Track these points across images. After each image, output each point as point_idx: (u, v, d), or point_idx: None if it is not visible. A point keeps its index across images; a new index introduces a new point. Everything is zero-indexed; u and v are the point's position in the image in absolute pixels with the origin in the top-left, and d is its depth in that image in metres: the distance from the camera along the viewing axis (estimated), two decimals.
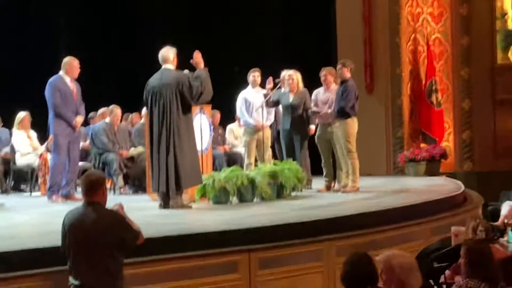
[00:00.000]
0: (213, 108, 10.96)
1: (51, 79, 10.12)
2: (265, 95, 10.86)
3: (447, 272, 6.26)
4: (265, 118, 10.96)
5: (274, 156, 11.54)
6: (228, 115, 12.82)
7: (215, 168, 11.16)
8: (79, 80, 10.48)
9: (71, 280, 5.20)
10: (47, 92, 10.04)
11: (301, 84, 11.05)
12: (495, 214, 12.32)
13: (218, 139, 12.34)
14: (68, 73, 10.15)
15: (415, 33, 15.34)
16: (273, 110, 11.29)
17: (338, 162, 10.62)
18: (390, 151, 15.12)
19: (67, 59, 10.24)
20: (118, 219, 5.29)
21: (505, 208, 11.78)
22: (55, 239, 5.69)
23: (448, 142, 15.37)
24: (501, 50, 15.98)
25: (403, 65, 15.10)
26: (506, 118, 15.77)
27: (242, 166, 10.85)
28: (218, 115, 12.63)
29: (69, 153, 10.13)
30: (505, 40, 15.97)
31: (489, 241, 6.73)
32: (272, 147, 11.69)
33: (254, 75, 11.24)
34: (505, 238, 10.77)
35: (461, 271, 5.03)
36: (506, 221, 11.44)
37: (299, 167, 10.21)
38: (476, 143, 15.36)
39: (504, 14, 16.02)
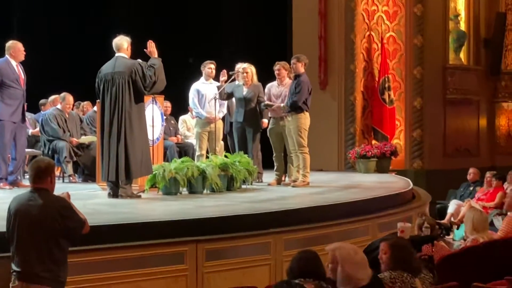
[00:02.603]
0: (165, 98, 10.91)
1: None
2: (219, 87, 10.84)
3: None
4: (217, 110, 10.94)
5: (226, 149, 11.52)
6: (181, 106, 12.77)
7: (166, 158, 11.11)
8: (31, 66, 10.30)
9: (14, 267, 5.12)
10: None
11: (255, 78, 11.04)
12: (443, 212, 12.52)
13: (170, 130, 12.28)
14: (13, 57, 9.83)
15: (370, 31, 15.47)
16: (225, 102, 11.27)
17: (289, 156, 10.65)
18: (341, 147, 15.23)
19: (10, 43, 9.91)
20: (65, 207, 5.23)
21: (451, 206, 12.00)
22: None
23: (399, 140, 15.53)
24: (453, 50, 16.23)
25: (357, 62, 15.22)
26: (456, 118, 16.04)
27: (193, 157, 10.84)
28: (169, 104, 12.54)
29: (15, 140, 9.93)
30: (457, 41, 16.21)
31: (434, 238, 6.82)
32: (224, 139, 11.68)
33: (211, 67, 11.19)
34: (451, 236, 10.97)
35: (383, 265, 5.12)
36: (452, 219, 11.65)
37: (250, 160, 10.22)
38: (426, 142, 15.56)
39: (457, 15, 16.26)
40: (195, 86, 11.22)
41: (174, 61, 12.01)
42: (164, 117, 10.63)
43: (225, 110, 11.37)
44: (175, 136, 12.41)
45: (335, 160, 15.18)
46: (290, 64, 10.59)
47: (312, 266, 4.77)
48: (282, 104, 10.48)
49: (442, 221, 11.37)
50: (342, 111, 15.20)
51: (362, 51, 15.38)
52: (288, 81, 10.71)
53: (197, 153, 11.12)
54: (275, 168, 10.92)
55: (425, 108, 15.55)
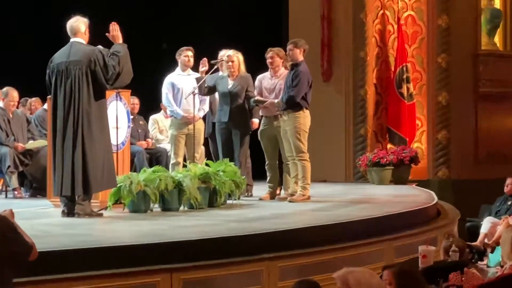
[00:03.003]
0: (132, 94, 10.91)
1: None
2: (198, 80, 10.85)
3: None
4: (197, 108, 10.95)
5: (208, 155, 11.54)
6: (152, 103, 12.77)
7: (134, 167, 11.13)
8: None
9: None
10: None
11: (242, 68, 11.07)
12: (474, 232, 12.52)
13: (138, 132, 12.29)
14: None
15: (384, 9, 15.49)
16: (206, 98, 11.29)
17: (285, 164, 10.67)
18: (350, 153, 15.24)
19: None
20: (8, 228, 5.21)
21: (485, 225, 11.99)
22: None
23: (420, 143, 15.57)
24: (487, 33, 16.23)
25: (369, 48, 15.23)
26: (490, 116, 16.03)
27: (167, 166, 10.85)
28: (137, 101, 12.53)
29: None
30: (491, 21, 16.21)
31: (464, 264, 6.83)
32: (206, 143, 11.69)
33: (187, 55, 11.20)
34: (484, 262, 10.98)
35: None
36: (486, 240, 11.64)
37: (237, 169, 10.23)
38: (454, 145, 15.59)
39: None
40: (169, 79, 11.24)
41: (144, 47, 12.03)
42: (131, 117, 10.63)
43: (206, 108, 11.39)
44: (145, 140, 12.42)
45: (342, 169, 15.21)
46: (286, 51, 10.61)
47: None
48: (276, 100, 10.51)
49: (474, 243, 11.40)
50: (350, 108, 15.23)
51: (374, 34, 15.41)
52: (283, 72, 10.75)
53: (171, 161, 11.14)
54: (268, 179, 10.95)
55: (452, 104, 15.59)
